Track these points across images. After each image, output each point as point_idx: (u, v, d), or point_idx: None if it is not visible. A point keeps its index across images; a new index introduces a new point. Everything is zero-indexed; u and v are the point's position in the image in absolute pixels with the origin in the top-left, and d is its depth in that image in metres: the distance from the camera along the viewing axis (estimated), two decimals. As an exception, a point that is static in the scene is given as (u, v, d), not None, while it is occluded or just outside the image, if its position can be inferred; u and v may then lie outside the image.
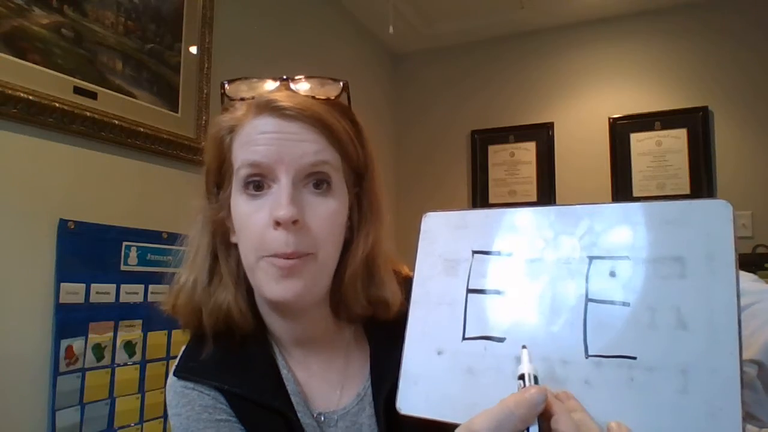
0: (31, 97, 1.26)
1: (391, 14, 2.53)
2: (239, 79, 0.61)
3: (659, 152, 2.63)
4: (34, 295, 1.27)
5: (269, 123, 0.57)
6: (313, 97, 0.59)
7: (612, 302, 0.41)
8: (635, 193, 2.64)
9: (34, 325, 1.27)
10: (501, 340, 0.44)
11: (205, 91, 1.78)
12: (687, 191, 2.55)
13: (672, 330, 0.39)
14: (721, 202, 0.39)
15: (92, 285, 1.37)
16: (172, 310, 0.64)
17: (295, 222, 0.55)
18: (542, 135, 2.87)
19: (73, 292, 1.33)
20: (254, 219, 0.57)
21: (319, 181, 0.58)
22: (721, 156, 2.53)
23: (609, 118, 2.72)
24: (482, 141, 2.98)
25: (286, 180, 0.56)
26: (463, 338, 0.46)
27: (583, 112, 2.81)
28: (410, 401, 0.46)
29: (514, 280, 0.45)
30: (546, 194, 2.82)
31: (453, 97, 3.10)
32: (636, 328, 0.40)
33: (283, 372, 0.63)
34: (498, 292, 0.45)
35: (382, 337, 0.64)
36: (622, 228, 0.43)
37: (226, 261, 0.63)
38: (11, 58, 1.24)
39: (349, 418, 0.62)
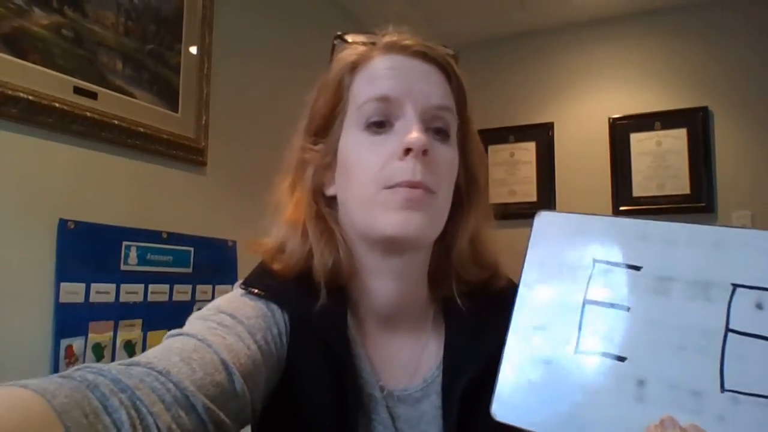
0: (31, 97, 1.26)
1: (391, 14, 2.53)
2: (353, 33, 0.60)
3: (659, 152, 2.63)
4: (34, 295, 1.27)
5: (397, 59, 0.56)
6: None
7: (757, 336, 0.37)
8: (635, 194, 2.64)
9: (34, 325, 1.27)
10: (622, 359, 0.40)
11: (205, 91, 1.78)
12: (687, 192, 2.55)
13: None
14: None
15: (92, 285, 1.37)
16: (273, 262, 0.60)
17: (425, 152, 0.52)
18: (542, 135, 2.87)
19: (73, 292, 1.33)
20: (376, 152, 0.54)
21: (439, 128, 0.56)
22: (721, 156, 2.53)
23: (609, 118, 2.72)
24: (482, 141, 2.97)
25: (413, 113, 0.54)
26: (576, 351, 0.42)
27: (583, 112, 2.81)
28: (508, 408, 0.43)
29: (641, 297, 0.41)
30: (546, 194, 2.82)
31: (453, 97, 3.10)
32: None
33: (350, 331, 0.59)
34: (622, 307, 0.42)
35: (460, 327, 0.60)
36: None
37: (328, 213, 0.60)
38: (11, 58, 1.24)
39: (411, 402, 0.58)
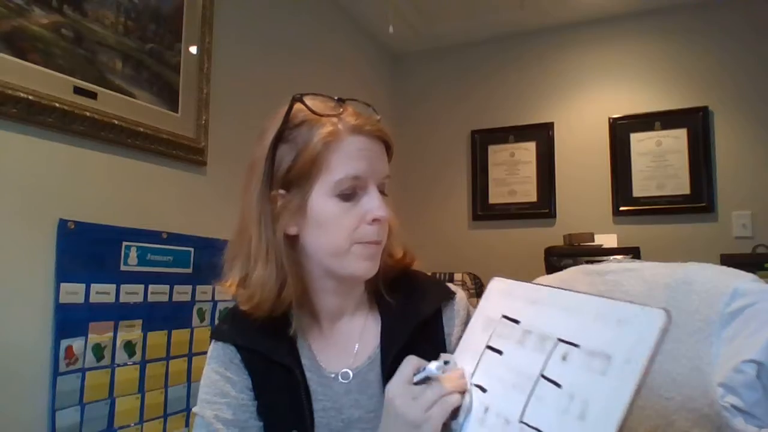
0: (31, 97, 1.26)
1: (391, 14, 2.54)
2: (310, 94, 0.74)
3: (659, 152, 2.63)
4: (34, 295, 1.27)
5: (362, 141, 0.72)
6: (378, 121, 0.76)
7: (553, 382, 0.47)
8: (635, 194, 2.64)
9: (34, 325, 1.27)
10: (485, 390, 0.54)
11: (205, 91, 1.78)
12: (687, 191, 2.56)
13: (574, 420, 0.45)
14: (659, 311, 0.42)
15: (92, 285, 1.37)
16: (244, 298, 0.75)
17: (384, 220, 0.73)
18: (542, 135, 2.87)
19: (73, 292, 1.33)
20: (349, 216, 0.72)
21: (383, 191, 0.75)
22: (721, 156, 2.53)
23: (609, 118, 2.72)
24: (482, 141, 2.99)
25: (374, 188, 0.73)
26: (470, 381, 0.57)
27: (583, 112, 2.81)
28: None
29: (510, 344, 0.55)
30: (546, 194, 2.83)
31: (453, 96, 3.10)
32: (554, 409, 0.46)
33: (299, 341, 0.78)
34: (499, 352, 0.55)
35: (390, 315, 0.79)
36: (588, 319, 0.49)
37: (292, 250, 0.75)
38: (11, 58, 1.24)
39: (360, 376, 0.77)
